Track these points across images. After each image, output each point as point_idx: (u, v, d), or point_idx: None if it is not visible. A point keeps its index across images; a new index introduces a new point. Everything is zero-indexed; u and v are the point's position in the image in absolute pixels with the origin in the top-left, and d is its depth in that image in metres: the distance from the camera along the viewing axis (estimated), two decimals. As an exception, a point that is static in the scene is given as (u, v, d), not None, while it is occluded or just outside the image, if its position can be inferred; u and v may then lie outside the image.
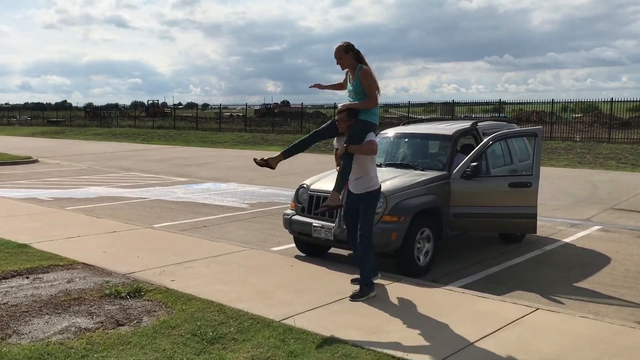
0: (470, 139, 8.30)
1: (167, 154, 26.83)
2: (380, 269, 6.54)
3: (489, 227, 7.48)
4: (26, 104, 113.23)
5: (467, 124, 8.26)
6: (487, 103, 39.66)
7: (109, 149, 29.71)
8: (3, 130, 51.31)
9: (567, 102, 31.45)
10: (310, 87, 6.20)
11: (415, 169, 7.51)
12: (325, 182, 7.29)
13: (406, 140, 8.29)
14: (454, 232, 7.45)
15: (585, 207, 11.77)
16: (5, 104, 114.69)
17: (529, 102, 31.81)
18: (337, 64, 5.75)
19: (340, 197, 5.72)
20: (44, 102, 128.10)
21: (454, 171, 7.30)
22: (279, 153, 5.86)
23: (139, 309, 5.18)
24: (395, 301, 5.51)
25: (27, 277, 6.09)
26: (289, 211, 7.45)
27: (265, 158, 5.82)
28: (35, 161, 22.48)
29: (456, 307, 5.34)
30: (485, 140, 7.43)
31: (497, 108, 37.53)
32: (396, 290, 5.87)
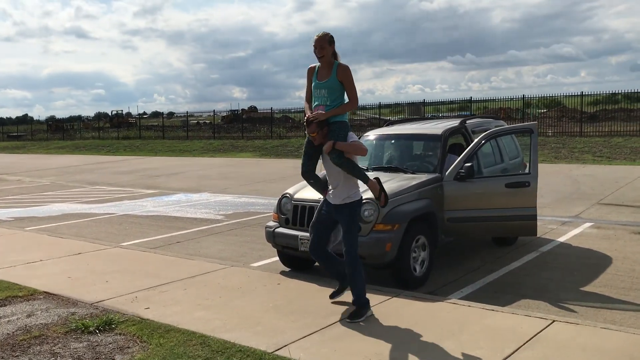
0: (458, 137, 7.84)
1: (134, 165, 25.92)
2: (373, 281, 6.03)
3: (486, 231, 7.02)
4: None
5: (455, 122, 7.80)
6: (452, 102, 39.66)
7: (73, 163, 28.61)
8: (-40, 147, 49.38)
9: (539, 97, 31.37)
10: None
11: (405, 172, 7.01)
12: (310, 190, 6.73)
13: (392, 142, 7.79)
14: (448, 238, 6.97)
15: (572, 203, 11.46)
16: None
17: (499, 99, 31.64)
18: (318, 54, 5.14)
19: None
20: (4, 117, 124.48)
21: (447, 173, 6.83)
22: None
23: (110, 345, 4.54)
24: (398, 321, 4.98)
25: (-20, 313, 5.39)
26: (271, 223, 6.87)
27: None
28: (-6, 178, 21.37)
29: (465, 324, 4.84)
30: (478, 138, 6.98)
31: (463, 107, 37.53)
32: (396, 307, 5.35)
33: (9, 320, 5.16)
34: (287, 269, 6.98)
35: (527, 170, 6.78)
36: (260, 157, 27.04)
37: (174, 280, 6.37)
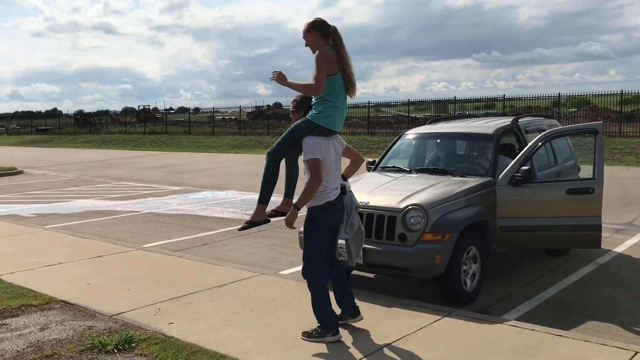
0: (509, 137, 7.18)
1: (160, 160, 25.62)
2: (416, 296, 5.44)
3: (542, 241, 6.35)
4: (16, 112, 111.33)
5: (506, 121, 7.14)
6: (478, 100, 38.55)
7: (99, 157, 28.46)
8: (-10, 139, 49.87)
9: (577, 95, 30.10)
10: None
11: (454, 175, 6.39)
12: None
13: (437, 141, 7.16)
14: (500, 248, 6.34)
15: (622, 208, 10.69)
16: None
17: (532, 97, 30.55)
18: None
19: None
20: (34, 111, 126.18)
21: (500, 176, 6.18)
22: (284, 200, 4.70)
23: (130, 369, 4.03)
24: (453, 347, 4.38)
25: (-9, 324, 4.92)
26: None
27: (275, 209, 4.66)
28: (20, 172, 21.22)
29: (534, 354, 4.21)
30: (536, 138, 6.31)
31: (490, 105, 36.56)
32: (448, 329, 4.73)
33: (20, 334, 4.68)
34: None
35: (591, 175, 6.08)
36: (286, 154, 26.50)
37: (201, 289, 5.85)
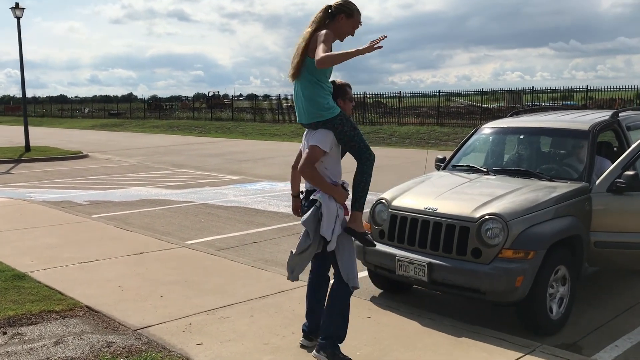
0: (607, 135, 6.09)
1: (223, 147, 25.37)
2: (486, 323, 4.53)
3: (649, 262, 5.27)
4: (95, 96, 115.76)
5: (603, 115, 6.04)
6: (554, 90, 36.08)
7: (164, 143, 28.58)
8: (66, 122, 51.67)
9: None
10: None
11: (540, 178, 5.39)
12: (412, 196, 5.31)
13: (521, 137, 6.15)
14: (593, 267, 5.32)
15: None
16: (75, 96, 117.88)
17: (618, 89, 28.20)
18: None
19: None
20: (111, 95, 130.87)
21: (597, 182, 5.16)
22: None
23: (141, 405, 3.37)
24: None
25: (5, 333, 4.40)
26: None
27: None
28: (85, 156, 21.42)
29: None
30: (644, 137, 5.23)
31: (566, 96, 34.31)
32: (533, 372, 3.83)
33: (31, 349, 4.12)
34: (379, 291, 5.63)
35: None
36: (351, 144, 25.71)
37: (240, 300, 5.16)
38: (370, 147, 3.85)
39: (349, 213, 3.85)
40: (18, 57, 22.17)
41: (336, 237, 3.74)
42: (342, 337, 3.90)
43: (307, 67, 3.70)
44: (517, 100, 33.60)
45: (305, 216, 3.84)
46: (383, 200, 5.36)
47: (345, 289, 3.84)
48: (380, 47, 3.37)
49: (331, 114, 3.74)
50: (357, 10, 3.74)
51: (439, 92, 32.62)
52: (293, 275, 3.99)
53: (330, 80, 3.85)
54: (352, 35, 3.82)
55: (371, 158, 3.80)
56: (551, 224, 4.71)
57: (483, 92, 34.00)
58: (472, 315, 5.12)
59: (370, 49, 3.34)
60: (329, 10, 3.75)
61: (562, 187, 5.10)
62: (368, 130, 29.52)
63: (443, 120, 30.30)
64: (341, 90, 3.90)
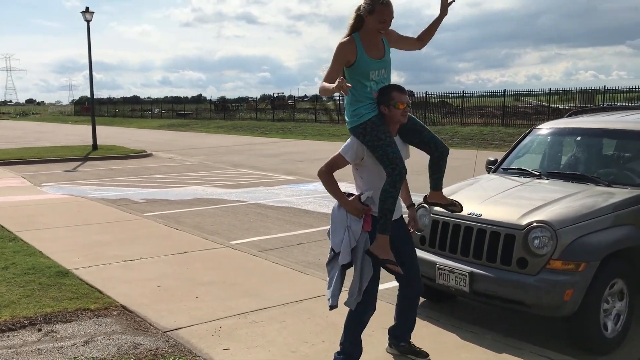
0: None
1: (281, 148, 25.48)
2: (527, 338, 4.19)
3: None
4: (166, 97, 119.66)
5: (672, 115, 5.54)
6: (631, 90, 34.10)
7: (225, 143, 29.03)
8: (135, 122, 53.50)
9: None
10: None
11: (597, 183, 4.98)
12: (458, 199, 5.00)
13: (578, 138, 5.72)
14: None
15: None
16: (148, 97, 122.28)
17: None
18: (386, 29, 3.61)
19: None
20: (182, 96, 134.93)
21: (662, 188, 4.70)
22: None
23: (157, 412, 3.28)
24: None
25: (40, 330, 4.45)
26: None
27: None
28: (149, 155, 22.01)
29: None
30: None
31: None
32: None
33: (61, 347, 4.13)
34: (420, 300, 5.36)
35: None
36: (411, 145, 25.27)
37: (274, 304, 5.03)
38: (399, 162, 3.51)
39: (370, 229, 3.60)
40: (94, 61, 23.06)
41: (348, 250, 3.51)
42: (353, 356, 3.70)
43: (344, 74, 3.57)
44: (590, 100, 32.08)
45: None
46: (424, 205, 5.09)
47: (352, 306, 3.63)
48: (346, 92, 3.30)
49: (354, 122, 3.57)
50: (380, 2, 3.50)
51: (504, 91, 31.61)
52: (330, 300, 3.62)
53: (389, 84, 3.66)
54: (385, 29, 3.59)
55: (394, 173, 3.45)
56: (607, 233, 4.32)
57: (551, 92, 32.68)
58: (517, 329, 4.78)
59: (337, 88, 3.20)
60: (358, 13, 3.59)
61: (621, 193, 4.68)
62: (429, 130, 28.95)
63: (508, 121, 29.31)
64: (385, 96, 3.58)
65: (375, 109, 3.59)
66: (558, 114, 28.11)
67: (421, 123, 3.86)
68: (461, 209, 4.04)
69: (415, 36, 3.87)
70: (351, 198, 3.61)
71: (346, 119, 3.69)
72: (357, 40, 3.55)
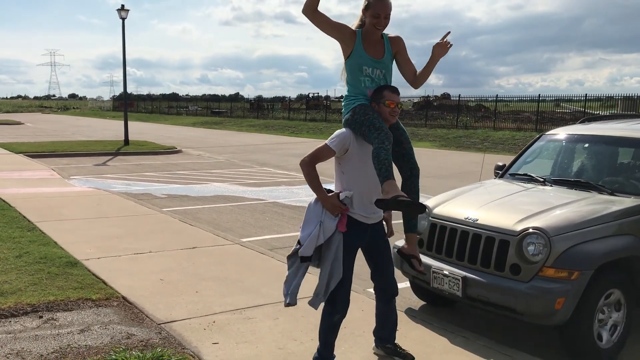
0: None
1: (309, 147, 25.11)
2: (530, 347, 4.14)
3: None
4: (203, 95, 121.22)
5: (686, 124, 5.39)
6: None
7: (255, 141, 29.27)
8: (170, 119, 54.35)
9: None
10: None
11: (600, 191, 4.89)
12: (457, 203, 5.00)
13: (586, 145, 5.62)
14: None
15: None
16: (186, 95, 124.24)
17: None
18: (383, 26, 3.64)
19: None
20: (219, 94, 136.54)
21: (667, 198, 4.59)
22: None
23: (136, 400, 3.37)
24: None
25: (41, 317, 4.60)
26: (400, 242, 5.24)
27: None
28: (179, 152, 22.35)
29: None
30: None
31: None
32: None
33: (57, 334, 4.27)
34: (419, 304, 5.36)
35: None
36: (439, 148, 25.09)
37: (272, 301, 5.09)
38: (385, 129, 3.48)
39: (345, 229, 3.61)
40: (135, 58, 23.73)
41: (313, 244, 3.52)
42: (327, 358, 3.73)
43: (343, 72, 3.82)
44: (633, 107, 31.22)
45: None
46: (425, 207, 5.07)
47: (325, 307, 3.66)
48: (338, 215, 3.58)
49: (345, 113, 3.67)
50: None
51: (539, 96, 31.06)
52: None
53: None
54: (379, 25, 3.59)
55: (380, 135, 3.41)
56: (604, 242, 4.24)
57: (592, 98, 31.85)
58: (511, 336, 4.73)
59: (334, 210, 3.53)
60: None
61: (623, 202, 4.59)
62: (460, 134, 28.66)
63: (542, 127, 28.78)
64: (377, 94, 3.65)
65: (366, 103, 3.67)
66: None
67: (408, 137, 3.87)
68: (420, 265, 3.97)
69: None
70: (330, 194, 3.63)
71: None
72: (359, 35, 3.66)
